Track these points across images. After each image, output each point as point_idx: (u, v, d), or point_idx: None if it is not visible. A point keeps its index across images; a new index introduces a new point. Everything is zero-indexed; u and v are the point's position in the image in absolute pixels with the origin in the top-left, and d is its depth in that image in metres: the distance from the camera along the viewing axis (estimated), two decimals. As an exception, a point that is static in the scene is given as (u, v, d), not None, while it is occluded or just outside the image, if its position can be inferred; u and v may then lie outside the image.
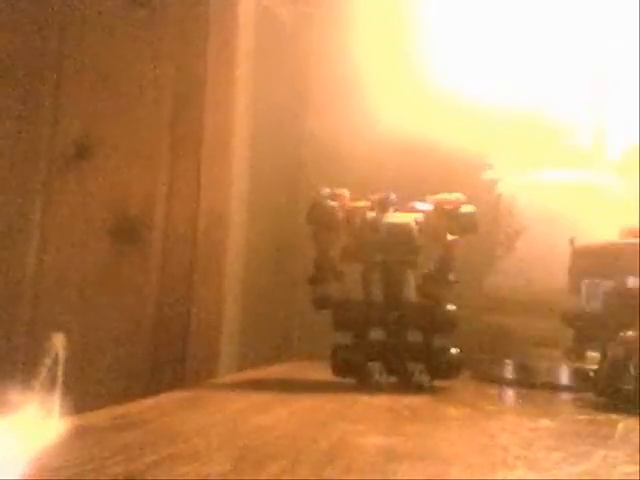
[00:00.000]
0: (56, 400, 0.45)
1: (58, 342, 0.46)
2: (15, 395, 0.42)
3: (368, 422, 0.55)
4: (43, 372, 0.45)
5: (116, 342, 0.90)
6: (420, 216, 0.76)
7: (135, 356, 0.89)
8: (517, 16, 1.08)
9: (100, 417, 0.50)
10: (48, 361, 0.45)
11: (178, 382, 0.86)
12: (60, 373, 0.46)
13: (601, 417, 0.61)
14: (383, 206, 0.76)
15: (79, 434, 0.43)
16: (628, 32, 1.00)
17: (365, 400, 0.66)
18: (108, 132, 0.95)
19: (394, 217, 0.76)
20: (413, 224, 0.75)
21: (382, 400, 0.66)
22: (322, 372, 0.77)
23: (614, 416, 0.60)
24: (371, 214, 0.76)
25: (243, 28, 0.98)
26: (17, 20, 0.98)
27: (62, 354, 0.46)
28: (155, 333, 0.90)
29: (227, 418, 0.54)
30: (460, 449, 0.46)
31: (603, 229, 0.90)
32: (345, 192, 0.78)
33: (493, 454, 0.44)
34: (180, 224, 0.92)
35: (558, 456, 0.44)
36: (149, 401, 0.60)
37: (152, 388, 0.84)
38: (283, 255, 1.16)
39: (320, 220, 0.77)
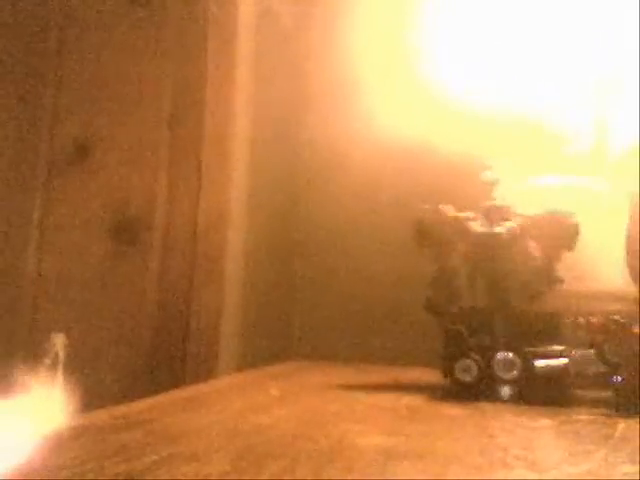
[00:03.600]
0: (56, 400, 0.45)
1: (58, 342, 0.46)
2: (15, 395, 0.42)
3: (368, 422, 0.55)
4: (43, 372, 0.45)
5: (116, 342, 0.90)
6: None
7: (135, 356, 0.89)
8: (517, 19, 1.08)
9: (100, 417, 0.50)
10: (48, 361, 0.45)
11: (178, 382, 0.86)
12: (60, 373, 0.46)
13: (601, 417, 0.61)
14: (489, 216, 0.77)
15: (79, 434, 0.43)
16: (628, 34, 1.00)
17: (365, 400, 0.66)
18: (108, 132, 0.95)
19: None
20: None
21: (382, 400, 0.66)
22: (322, 372, 0.77)
23: (614, 416, 0.60)
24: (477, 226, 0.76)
25: (243, 28, 0.98)
26: (17, 20, 0.98)
27: (62, 354, 0.46)
28: (155, 333, 0.90)
29: (227, 418, 0.54)
30: (460, 449, 0.46)
31: (603, 232, 0.90)
32: (449, 207, 0.78)
33: (493, 454, 0.44)
34: (180, 224, 0.92)
35: (558, 456, 0.44)
36: (149, 401, 0.60)
37: (152, 388, 0.84)
38: (283, 255, 1.16)
39: (429, 238, 0.76)
